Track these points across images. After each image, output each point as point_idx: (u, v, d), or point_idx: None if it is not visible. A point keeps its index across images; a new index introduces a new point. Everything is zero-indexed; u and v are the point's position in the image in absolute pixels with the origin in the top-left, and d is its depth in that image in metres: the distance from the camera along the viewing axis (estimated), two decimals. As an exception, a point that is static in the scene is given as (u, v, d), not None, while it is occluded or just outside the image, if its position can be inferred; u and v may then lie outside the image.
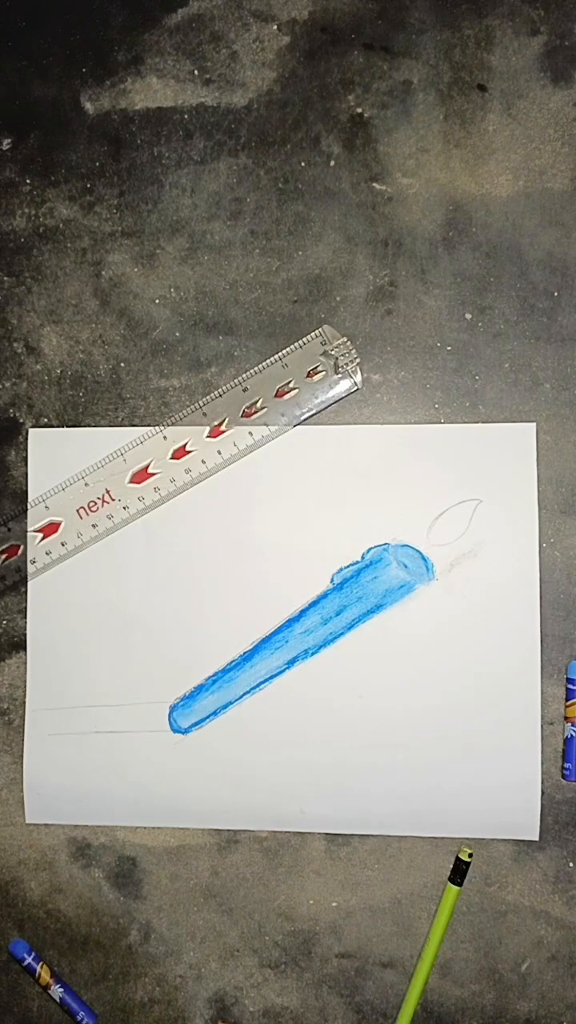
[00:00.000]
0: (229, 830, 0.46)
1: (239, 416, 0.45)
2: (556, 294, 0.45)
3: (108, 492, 0.46)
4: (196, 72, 0.47)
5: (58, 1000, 0.46)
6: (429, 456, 0.45)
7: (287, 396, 0.45)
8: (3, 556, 0.47)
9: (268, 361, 0.45)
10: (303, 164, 0.46)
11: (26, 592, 0.47)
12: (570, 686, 0.44)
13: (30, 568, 0.46)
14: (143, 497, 0.46)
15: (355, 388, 0.45)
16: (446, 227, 0.45)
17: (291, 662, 0.45)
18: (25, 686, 0.47)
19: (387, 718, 0.45)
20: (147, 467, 0.46)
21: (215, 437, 0.45)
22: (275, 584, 0.45)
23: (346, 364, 0.45)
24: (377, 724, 0.45)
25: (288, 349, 0.45)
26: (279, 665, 0.45)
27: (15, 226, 0.48)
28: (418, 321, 0.46)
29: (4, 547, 0.47)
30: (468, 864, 0.44)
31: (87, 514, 0.46)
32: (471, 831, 0.45)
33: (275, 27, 0.46)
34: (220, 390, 0.46)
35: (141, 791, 0.46)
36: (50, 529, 0.46)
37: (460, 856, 0.44)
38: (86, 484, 0.46)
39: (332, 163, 0.46)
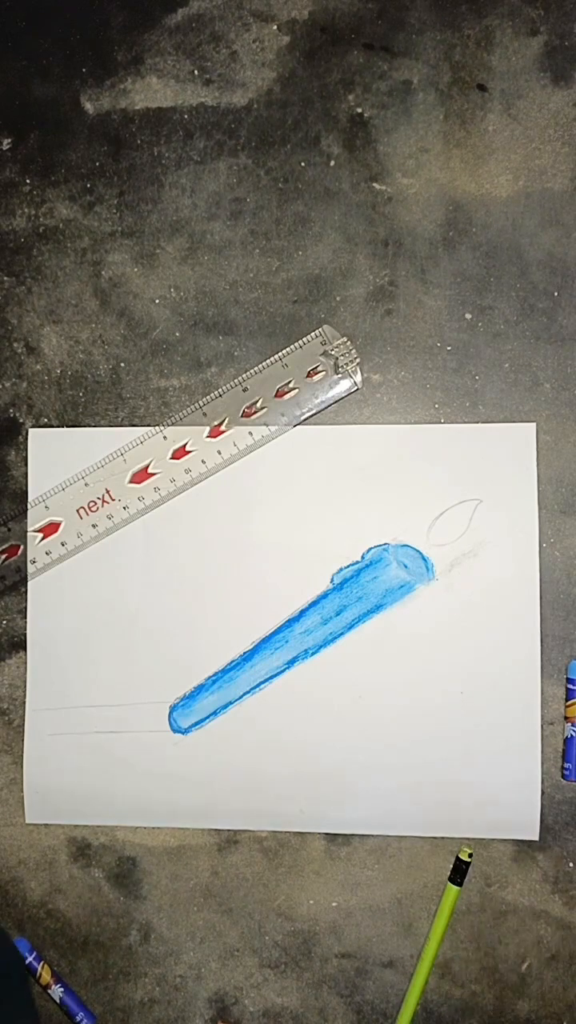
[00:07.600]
0: (229, 830, 0.46)
1: (239, 416, 0.45)
2: (556, 294, 0.45)
3: (108, 492, 0.46)
4: (196, 72, 0.47)
5: (58, 1000, 0.46)
6: (429, 456, 0.45)
7: (287, 396, 0.45)
8: (3, 556, 0.47)
9: (268, 361, 0.45)
10: (303, 164, 0.46)
11: (26, 592, 0.47)
12: (570, 686, 0.44)
13: (30, 568, 0.46)
14: (143, 497, 0.46)
15: (355, 388, 0.45)
16: (446, 227, 0.45)
17: (291, 662, 0.45)
18: (25, 686, 0.47)
19: (387, 718, 0.45)
20: (147, 467, 0.46)
21: (215, 437, 0.45)
22: (275, 584, 0.45)
23: (346, 364, 0.45)
24: (377, 724, 0.45)
25: (288, 349, 0.45)
26: (279, 665, 0.45)
27: (15, 226, 0.48)
28: (418, 321, 0.46)
29: (4, 547, 0.47)
30: (468, 864, 0.44)
31: (87, 514, 0.46)
32: (471, 831, 0.45)
33: (275, 27, 0.46)
34: (220, 390, 0.46)
35: (141, 791, 0.46)
36: (50, 529, 0.46)
37: (460, 856, 0.44)
38: (86, 484, 0.46)
39: (332, 163, 0.46)
